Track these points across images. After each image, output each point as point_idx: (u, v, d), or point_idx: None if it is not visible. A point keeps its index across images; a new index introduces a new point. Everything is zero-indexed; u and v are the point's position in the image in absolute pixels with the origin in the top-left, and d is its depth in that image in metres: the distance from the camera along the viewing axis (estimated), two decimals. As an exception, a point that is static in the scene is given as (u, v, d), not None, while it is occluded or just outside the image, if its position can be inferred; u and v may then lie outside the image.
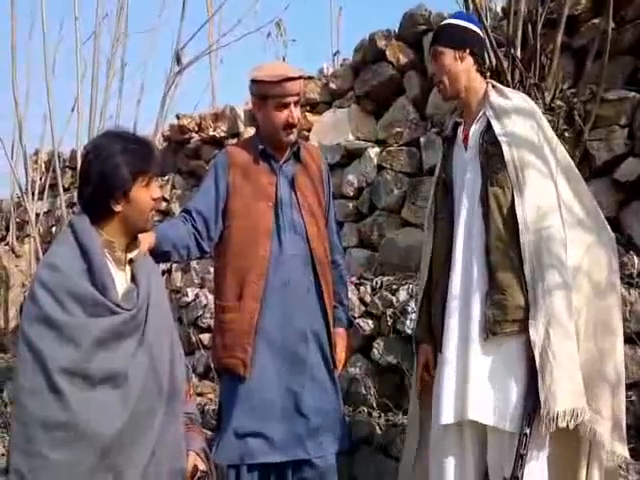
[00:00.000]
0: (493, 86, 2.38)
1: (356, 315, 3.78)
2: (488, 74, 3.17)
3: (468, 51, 2.34)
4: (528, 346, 2.11)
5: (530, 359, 2.11)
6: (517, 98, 2.35)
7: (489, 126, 2.28)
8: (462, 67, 2.34)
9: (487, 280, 2.21)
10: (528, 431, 2.07)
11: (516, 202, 2.18)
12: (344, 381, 3.55)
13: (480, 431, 2.20)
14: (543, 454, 2.13)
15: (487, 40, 3.34)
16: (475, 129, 2.33)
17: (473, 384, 2.15)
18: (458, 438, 2.23)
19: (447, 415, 2.20)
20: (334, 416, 2.58)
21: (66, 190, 6.95)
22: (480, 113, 2.33)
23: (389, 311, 3.65)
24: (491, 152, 2.26)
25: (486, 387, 2.15)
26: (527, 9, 3.36)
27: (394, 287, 3.80)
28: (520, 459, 2.07)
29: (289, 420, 2.48)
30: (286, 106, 2.51)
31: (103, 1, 6.08)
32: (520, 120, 2.28)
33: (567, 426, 2.04)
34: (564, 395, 2.03)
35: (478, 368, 2.17)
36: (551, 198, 2.22)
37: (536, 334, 2.09)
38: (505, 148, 2.22)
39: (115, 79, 6.13)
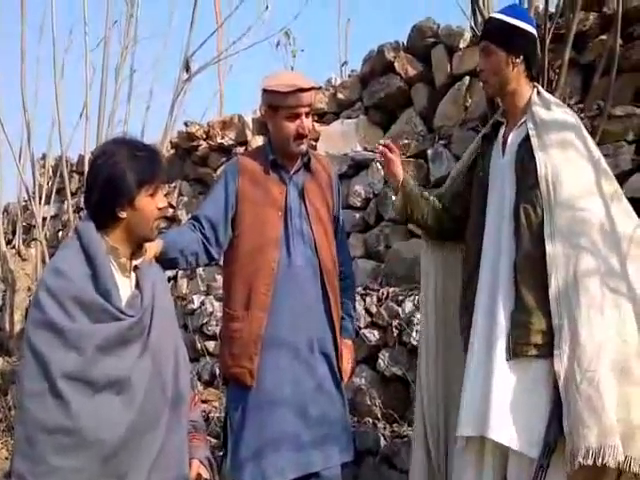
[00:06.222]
0: (538, 92, 2.30)
1: (362, 325, 3.78)
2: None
3: (522, 58, 2.26)
4: (553, 371, 2.02)
5: (555, 385, 2.02)
6: (560, 112, 2.26)
7: (528, 137, 2.21)
8: (513, 73, 2.26)
9: (513, 299, 2.14)
10: (546, 463, 1.98)
11: (545, 223, 2.11)
12: (349, 391, 3.55)
13: (502, 449, 2.12)
14: None
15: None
16: (514, 137, 2.27)
17: (495, 403, 2.08)
18: (479, 453, 2.17)
19: (466, 428, 2.15)
20: (340, 426, 2.57)
21: (73, 195, 6.98)
22: (522, 120, 2.26)
23: (395, 322, 3.65)
24: (526, 166, 2.19)
25: (509, 408, 2.07)
26: (535, 24, 3.36)
27: (400, 298, 3.80)
28: None
29: (297, 433, 2.46)
30: (297, 116, 2.50)
31: (113, 7, 6.10)
32: (560, 112, 2.22)
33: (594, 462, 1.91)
34: (587, 432, 1.92)
35: (501, 388, 2.09)
36: (588, 207, 2.11)
37: (560, 365, 2.00)
38: (540, 165, 2.15)
39: (124, 85, 6.14)
